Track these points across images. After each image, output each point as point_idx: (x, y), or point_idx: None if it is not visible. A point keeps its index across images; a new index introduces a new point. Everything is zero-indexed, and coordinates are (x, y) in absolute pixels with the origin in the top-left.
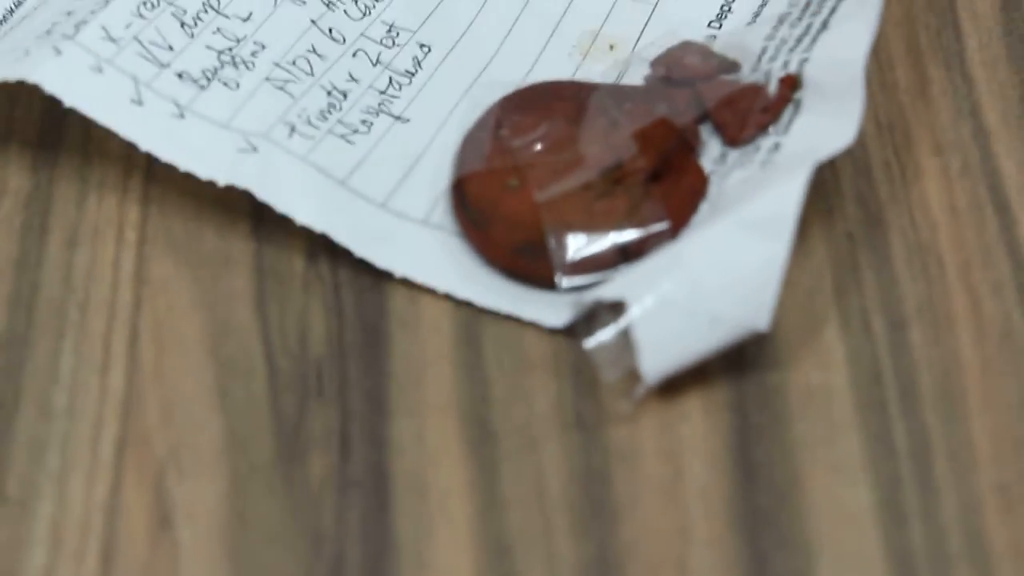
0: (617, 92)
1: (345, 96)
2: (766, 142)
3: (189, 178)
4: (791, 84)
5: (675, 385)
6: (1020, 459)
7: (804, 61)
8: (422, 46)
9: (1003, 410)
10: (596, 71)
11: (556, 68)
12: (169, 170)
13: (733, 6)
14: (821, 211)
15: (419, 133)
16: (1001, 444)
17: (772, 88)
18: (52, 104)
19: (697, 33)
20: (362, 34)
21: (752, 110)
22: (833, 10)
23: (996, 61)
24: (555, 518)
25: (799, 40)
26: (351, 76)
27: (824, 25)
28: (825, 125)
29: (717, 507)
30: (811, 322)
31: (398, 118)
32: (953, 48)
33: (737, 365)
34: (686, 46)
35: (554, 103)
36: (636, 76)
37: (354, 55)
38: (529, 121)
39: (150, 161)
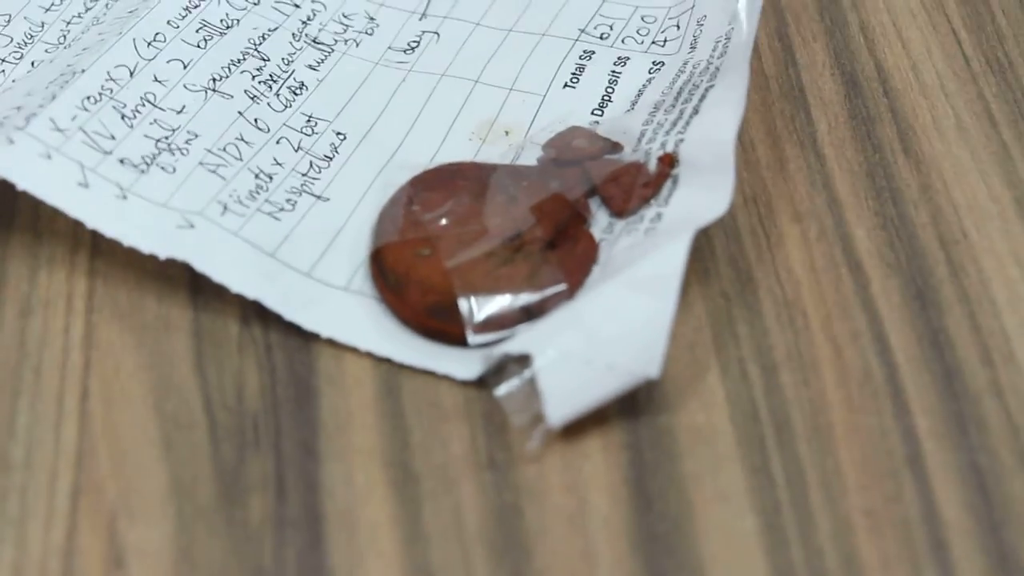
0: (514, 172)
1: (271, 178)
2: (649, 212)
3: (131, 252)
4: (669, 162)
5: (577, 428)
6: (884, 486)
7: (680, 142)
8: (338, 134)
9: (867, 443)
10: (494, 154)
11: (458, 151)
12: (113, 245)
13: (612, 96)
14: (698, 273)
15: (338, 210)
16: (867, 473)
17: (652, 166)
18: (5, 188)
19: (582, 120)
20: (284, 124)
21: (635, 185)
22: (703, 97)
23: (843, 141)
24: (473, 549)
25: (674, 124)
26: (276, 160)
27: (696, 110)
28: (701, 196)
29: (618, 534)
30: (694, 370)
31: (319, 197)
32: (806, 131)
33: (631, 409)
34: (574, 130)
35: (458, 182)
36: (530, 158)
37: (278, 142)
38: (437, 198)
39: (95, 238)
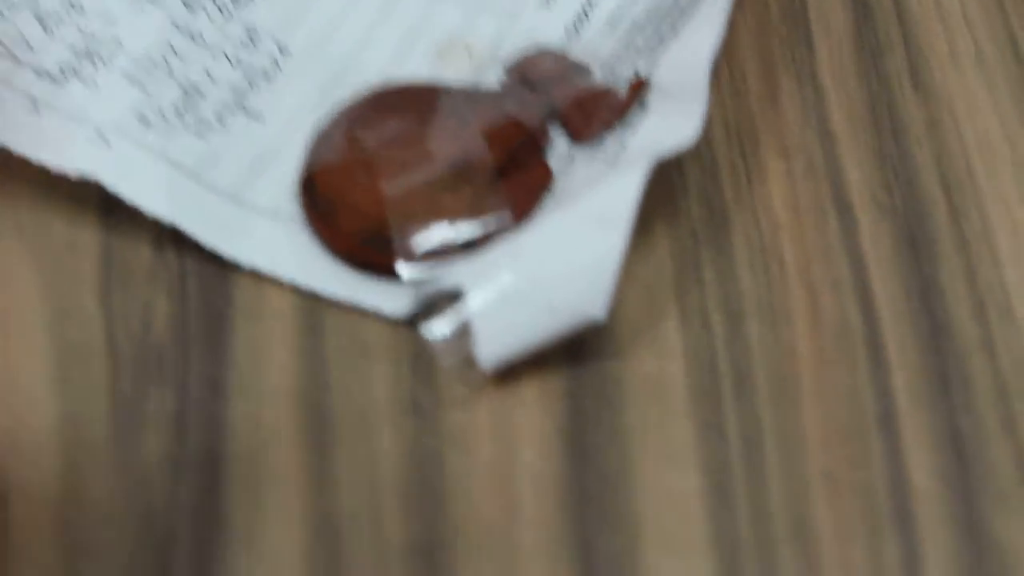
0: (470, 94)
1: (201, 93)
2: (612, 141)
3: (40, 169)
4: (639, 88)
5: (513, 372)
6: (847, 447)
7: (653, 66)
8: (280, 48)
9: (833, 399)
10: (452, 74)
11: (413, 71)
12: (19, 161)
13: (589, 14)
14: (667, 209)
15: (273, 130)
16: (830, 432)
17: (623, 92)
18: None
19: (554, 40)
20: (221, 35)
21: (600, 111)
22: (682, 18)
23: (845, 71)
24: (385, 500)
25: (651, 48)
26: (208, 75)
27: (674, 32)
28: (669, 125)
29: (547, 489)
30: (651, 315)
31: (253, 116)
32: (804, 59)
33: (576, 354)
34: (541, 51)
35: (407, 103)
36: (492, 79)
37: (212, 55)
38: (380, 118)
39: (1, 153)
